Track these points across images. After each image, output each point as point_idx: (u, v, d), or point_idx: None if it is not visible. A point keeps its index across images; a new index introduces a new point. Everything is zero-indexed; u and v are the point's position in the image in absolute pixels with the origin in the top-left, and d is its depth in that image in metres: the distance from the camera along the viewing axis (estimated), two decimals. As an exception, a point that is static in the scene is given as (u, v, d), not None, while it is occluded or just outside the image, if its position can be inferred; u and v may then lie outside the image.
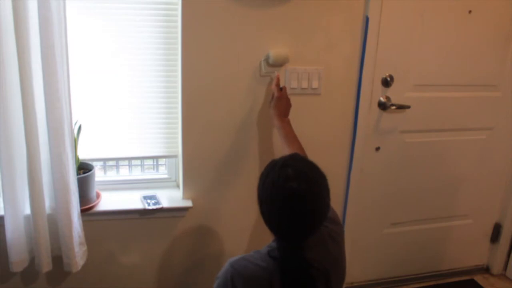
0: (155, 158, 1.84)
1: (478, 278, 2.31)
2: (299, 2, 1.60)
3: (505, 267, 2.34)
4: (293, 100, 1.71)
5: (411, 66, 1.83)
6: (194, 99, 1.62)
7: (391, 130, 1.91)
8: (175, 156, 1.78)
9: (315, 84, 1.72)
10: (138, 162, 1.85)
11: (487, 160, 2.12)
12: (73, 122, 1.49)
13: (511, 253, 2.31)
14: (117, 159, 1.79)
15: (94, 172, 1.63)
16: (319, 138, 1.81)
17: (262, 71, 1.65)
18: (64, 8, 1.34)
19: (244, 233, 1.85)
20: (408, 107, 1.86)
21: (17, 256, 1.50)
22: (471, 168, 2.11)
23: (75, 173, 1.51)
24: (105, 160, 1.78)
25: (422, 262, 2.22)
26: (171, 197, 1.75)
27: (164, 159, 1.85)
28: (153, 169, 1.91)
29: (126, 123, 1.66)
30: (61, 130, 1.41)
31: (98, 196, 1.68)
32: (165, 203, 1.69)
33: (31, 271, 1.58)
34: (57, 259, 1.55)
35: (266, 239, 1.13)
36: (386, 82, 1.82)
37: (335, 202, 1.93)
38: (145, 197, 1.71)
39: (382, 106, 1.84)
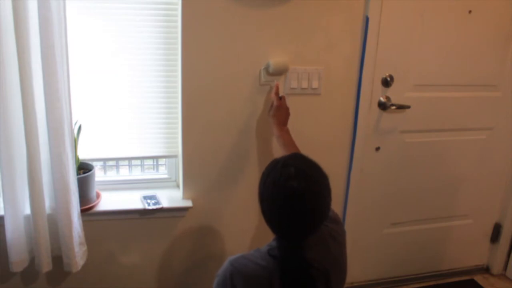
0: (155, 158, 1.84)
1: (478, 278, 2.31)
2: (299, 2, 1.60)
3: (505, 267, 2.34)
4: (293, 100, 1.71)
5: (411, 66, 1.83)
6: (194, 99, 1.62)
7: (391, 130, 1.91)
8: (175, 156, 1.78)
9: (315, 84, 1.72)
10: (138, 162, 1.85)
11: (487, 160, 2.12)
12: (73, 122, 1.49)
13: (511, 253, 2.31)
14: (117, 159, 1.79)
15: (94, 172, 1.63)
16: (319, 138, 1.81)
17: (262, 79, 1.65)
18: (64, 8, 1.34)
19: (244, 233, 1.85)
20: (408, 107, 1.86)
21: (17, 256, 1.50)
22: (471, 168, 2.11)
23: (75, 173, 1.51)
24: (105, 160, 1.78)
25: (422, 262, 2.22)
26: (171, 197, 1.75)
27: (164, 159, 1.85)
28: (153, 169, 1.91)
29: (126, 123, 1.66)
30: (61, 130, 1.41)
31: (98, 196, 1.68)
32: (165, 203, 1.69)
33: (31, 271, 1.58)
34: (57, 259, 1.55)
35: (267, 239, 1.13)
36: (386, 82, 1.82)
37: (335, 202, 1.93)
38: (145, 197, 1.71)
39: (382, 106, 1.84)
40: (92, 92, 1.59)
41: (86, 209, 1.60)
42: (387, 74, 1.81)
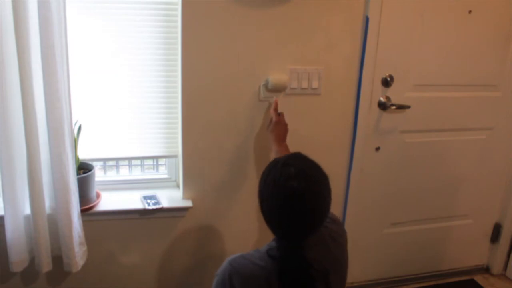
0: (155, 158, 1.84)
1: (478, 278, 2.31)
2: (299, 2, 1.60)
3: (505, 267, 2.34)
4: (293, 100, 1.72)
5: (411, 66, 1.83)
6: (194, 99, 1.62)
7: (391, 130, 1.91)
8: (175, 156, 1.78)
9: (315, 84, 1.72)
10: (138, 162, 1.85)
11: (487, 160, 2.12)
12: (73, 122, 1.49)
13: (511, 253, 2.31)
14: (117, 159, 1.79)
15: (94, 172, 1.63)
16: (319, 138, 1.81)
17: (261, 95, 1.66)
18: (64, 8, 1.34)
19: (244, 233, 1.85)
20: (408, 107, 1.86)
21: (17, 256, 1.50)
22: (471, 168, 2.11)
23: (75, 173, 1.51)
24: (105, 160, 1.78)
25: (422, 262, 2.22)
26: (171, 197, 1.75)
27: (164, 159, 1.85)
28: (153, 169, 1.91)
29: (126, 123, 1.66)
30: (61, 130, 1.41)
31: (98, 196, 1.68)
32: (165, 203, 1.69)
33: (31, 271, 1.58)
34: (57, 259, 1.55)
35: (267, 239, 1.13)
36: (386, 82, 1.82)
37: (335, 202, 1.93)
38: (145, 197, 1.71)
39: (382, 106, 1.84)
40: (92, 92, 1.59)
41: (86, 209, 1.60)
42: (387, 74, 1.81)
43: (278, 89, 1.66)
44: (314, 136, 1.79)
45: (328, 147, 1.84)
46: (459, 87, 1.95)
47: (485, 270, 2.37)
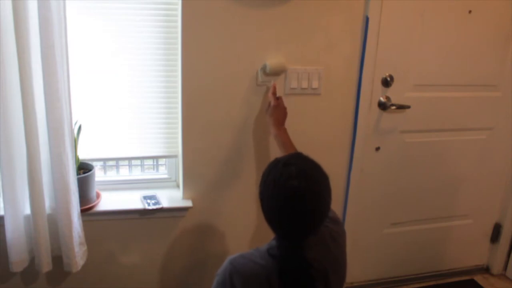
0: (155, 158, 1.84)
1: (478, 278, 2.31)
2: (299, 2, 1.60)
3: (505, 267, 2.34)
4: (293, 100, 1.71)
5: (411, 66, 1.83)
6: (194, 99, 1.62)
7: (391, 130, 1.91)
8: (175, 156, 1.78)
9: (315, 84, 1.72)
10: (138, 162, 1.85)
11: (487, 160, 2.12)
12: (73, 122, 1.49)
13: (511, 253, 2.31)
14: (117, 159, 1.79)
15: (94, 172, 1.63)
16: (319, 138, 1.81)
17: (259, 80, 1.65)
18: (64, 8, 1.34)
19: (244, 232, 1.85)
20: (408, 107, 1.86)
21: (17, 256, 1.50)
22: (471, 168, 2.11)
23: (75, 173, 1.51)
24: (105, 160, 1.78)
25: (422, 262, 2.22)
26: (171, 197, 1.75)
27: (164, 159, 1.85)
28: (153, 169, 1.91)
29: (126, 123, 1.66)
30: (61, 130, 1.41)
31: (98, 196, 1.68)
32: (165, 203, 1.69)
33: (31, 271, 1.58)
34: (57, 259, 1.55)
35: (267, 239, 1.13)
36: (386, 82, 1.82)
37: (335, 202, 1.93)
38: (145, 197, 1.71)
39: (382, 106, 1.84)
40: (92, 92, 1.59)
41: (86, 209, 1.60)
42: (387, 74, 1.81)
43: (276, 73, 1.65)
44: (314, 136, 1.79)
45: (328, 147, 1.84)
46: (459, 87, 1.95)
47: (485, 270, 2.37)
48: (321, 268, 1.07)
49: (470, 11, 1.83)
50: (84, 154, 1.63)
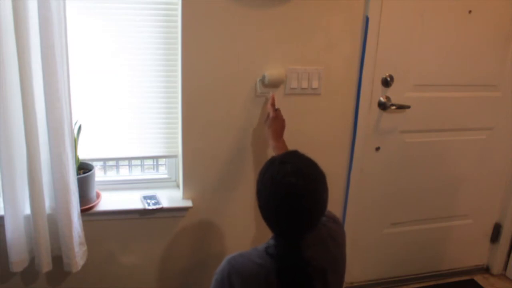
0: (155, 158, 1.84)
1: (478, 278, 2.31)
2: (299, 2, 1.60)
3: (505, 267, 2.34)
4: (293, 100, 1.72)
5: (411, 66, 1.83)
6: (194, 99, 1.62)
7: (391, 130, 1.91)
8: (175, 156, 1.78)
9: (315, 84, 1.72)
10: (138, 162, 1.85)
11: (487, 160, 2.12)
12: (73, 122, 1.49)
13: (511, 253, 2.31)
14: (117, 159, 1.79)
15: (94, 172, 1.63)
16: (319, 138, 1.81)
17: (258, 91, 1.66)
18: (64, 8, 1.34)
19: (244, 232, 1.85)
20: (408, 107, 1.86)
21: (17, 256, 1.50)
22: (471, 168, 2.11)
23: (75, 173, 1.51)
24: (105, 160, 1.78)
25: (422, 262, 2.22)
26: (171, 197, 1.75)
27: (164, 159, 1.85)
28: (153, 169, 1.91)
29: (126, 123, 1.66)
30: (61, 130, 1.41)
31: (98, 196, 1.68)
32: (165, 203, 1.69)
33: (31, 271, 1.58)
34: (57, 259, 1.55)
35: (266, 238, 1.13)
36: (386, 82, 1.82)
37: (335, 202, 1.93)
38: (145, 197, 1.71)
39: (382, 106, 1.84)
40: (92, 92, 1.59)
41: (86, 209, 1.60)
42: (387, 74, 1.81)
43: (275, 85, 1.65)
44: (314, 136, 1.79)
45: (328, 147, 1.84)
46: (459, 87, 1.95)
47: (485, 270, 2.37)
48: (319, 267, 1.07)
49: (470, 11, 1.83)
50: (84, 154, 1.63)
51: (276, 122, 1.58)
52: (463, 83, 1.94)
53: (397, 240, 2.13)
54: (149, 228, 1.73)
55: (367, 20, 1.70)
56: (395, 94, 1.85)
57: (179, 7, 1.54)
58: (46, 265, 1.52)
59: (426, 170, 2.03)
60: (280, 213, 1.02)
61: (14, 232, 1.47)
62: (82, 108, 1.59)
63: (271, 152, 1.74)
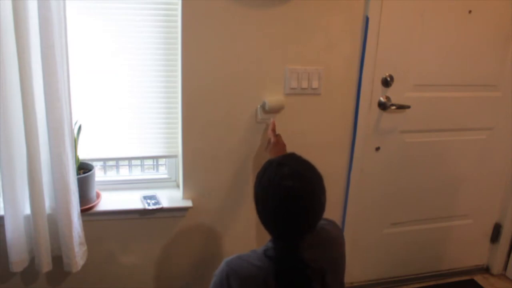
0: (155, 158, 1.84)
1: (478, 278, 2.31)
2: (299, 2, 1.60)
3: (505, 267, 2.34)
4: (293, 100, 1.72)
5: (411, 66, 1.83)
6: (194, 99, 1.62)
7: (391, 130, 1.91)
8: (175, 156, 1.78)
9: (315, 84, 1.72)
10: (138, 162, 1.85)
11: (487, 160, 2.12)
12: (73, 122, 1.49)
13: (511, 253, 2.31)
14: (117, 159, 1.79)
15: (94, 172, 1.63)
16: (319, 138, 1.81)
17: (258, 117, 1.67)
18: (64, 8, 1.34)
19: (244, 233, 1.85)
20: (408, 107, 1.86)
21: (17, 256, 1.50)
22: (471, 168, 2.11)
23: (75, 173, 1.51)
24: (105, 160, 1.78)
25: (422, 262, 2.22)
26: (171, 197, 1.75)
27: (164, 159, 1.85)
28: (153, 169, 1.91)
29: (126, 123, 1.66)
30: (61, 130, 1.41)
31: (98, 196, 1.68)
32: (165, 203, 1.69)
33: (31, 271, 1.58)
34: (57, 259, 1.55)
35: (266, 239, 1.13)
36: (386, 82, 1.82)
37: (335, 202, 1.94)
38: (145, 197, 1.71)
39: (382, 106, 1.84)
40: (92, 92, 1.59)
41: (86, 209, 1.60)
42: (387, 74, 1.81)
43: (275, 110, 1.68)
44: (314, 136, 1.79)
45: (328, 147, 1.84)
46: (459, 87, 1.95)
47: (485, 270, 2.37)
48: (318, 268, 1.07)
49: (470, 11, 1.83)
50: (84, 154, 1.63)
51: (277, 148, 1.59)
52: (463, 83, 1.94)
53: (397, 240, 2.13)
54: (149, 228, 1.73)
55: (367, 20, 1.70)
56: (395, 94, 1.85)
57: (179, 7, 1.54)
58: (46, 265, 1.52)
59: (426, 170, 2.03)
60: (277, 216, 1.02)
61: (14, 232, 1.47)
62: (82, 108, 1.59)
63: (271, 152, 1.75)
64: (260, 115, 1.68)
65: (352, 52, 1.74)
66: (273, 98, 1.66)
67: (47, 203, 1.51)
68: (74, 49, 1.49)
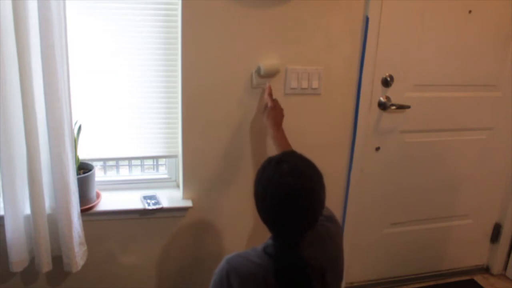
0: (155, 158, 1.84)
1: (478, 278, 2.31)
2: (299, 2, 1.60)
3: (505, 267, 2.34)
4: (293, 100, 1.71)
5: (411, 66, 1.83)
6: (194, 99, 1.62)
7: (391, 130, 1.91)
8: (175, 156, 1.78)
9: (315, 84, 1.72)
10: (138, 162, 1.85)
11: (487, 160, 2.12)
12: (73, 122, 1.49)
13: (511, 253, 2.31)
14: (117, 159, 1.79)
15: (94, 172, 1.63)
16: (319, 138, 1.81)
17: (254, 82, 1.65)
18: (64, 8, 1.34)
19: (244, 232, 1.85)
20: (408, 107, 1.86)
21: (17, 256, 1.50)
22: (471, 168, 2.11)
23: (75, 173, 1.51)
24: (105, 160, 1.78)
25: (422, 262, 2.22)
26: (171, 197, 1.75)
27: (164, 159, 1.85)
28: (153, 169, 1.91)
29: (126, 123, 1.66)
30: (61, 130, 1.41)
31: (98, 196, 1.68)
32: (165, 203, 1.69)
33: (31, 271, 1.58)
34: (57, 259, 1.55)
35: (266, 238, 1.13)
36: (386, 82, 1.82)
37: (335, 202, 1.93)
38: (145, 197, 1.71)
39: (382, 106, 1.84)
40: (92, 92, 1.59)
41: (86, 209, 1.60)
42: (387, 74, 1.81)
43: (270, 74, 1.64)
44: (314, 136, 1.79)
45: (328, 147, 1.84)
46: (459, 87, 1.95)
47: (485, 270, 2.37)
48: (318, 266, 1.07)
49: (470, 11, 1.83)
50: (84, 154, 1.63)
51: (275, 112, 1.57)
52: (463, 83, 1.94)
53: (397, 240, 2.13)
54: (149, 228, 1.73)
55: (367, 20, 1.70)
56: (395, 94, 1.85)
57: (179, 7, 1.54)
58: (46, 265, 1.52)
59: (426, 170, 2.03)
60: (277, 213, 1.02)
61: (14, 232, 1.47)
62: (82, 108, 1.59)
63: (271, 152, 1.75)
64: (255, 80, 1.64)
65: (352, 52, 1.74)
66: (267, 61, 1.62)
67: (47, 203, 1.51)
68: (74, 49, 1.49)
